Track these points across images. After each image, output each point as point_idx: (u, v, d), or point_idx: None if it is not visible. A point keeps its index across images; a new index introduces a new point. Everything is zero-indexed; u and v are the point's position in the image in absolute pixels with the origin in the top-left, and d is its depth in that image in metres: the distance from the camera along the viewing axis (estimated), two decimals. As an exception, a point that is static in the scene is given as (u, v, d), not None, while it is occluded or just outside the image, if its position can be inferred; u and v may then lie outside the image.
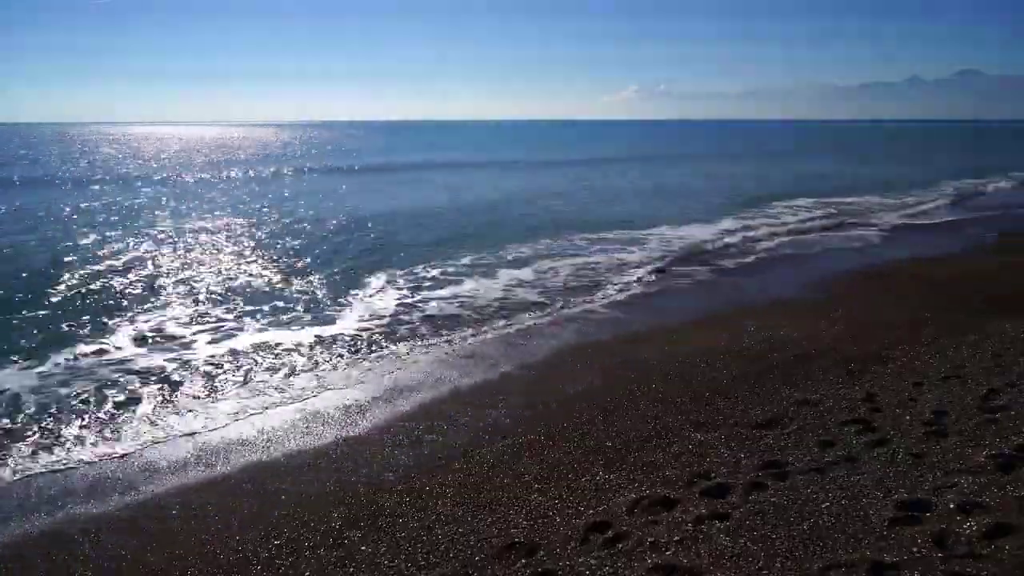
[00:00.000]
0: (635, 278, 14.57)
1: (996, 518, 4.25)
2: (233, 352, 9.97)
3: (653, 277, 14.76)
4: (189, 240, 20.10)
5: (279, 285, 14.39)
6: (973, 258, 15.63)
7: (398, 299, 12.99)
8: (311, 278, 14.96)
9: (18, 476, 6.51)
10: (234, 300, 13.07)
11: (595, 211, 25.93)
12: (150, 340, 10.59)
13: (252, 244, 19.42)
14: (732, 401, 7.35)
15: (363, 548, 5.07)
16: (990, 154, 68.14)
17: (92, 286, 14.12)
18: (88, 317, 11.80)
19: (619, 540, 4.66)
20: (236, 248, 18.82)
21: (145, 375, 9.05)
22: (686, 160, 61.21)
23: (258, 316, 11.94)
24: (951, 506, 4.50)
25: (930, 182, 35.66)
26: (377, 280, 14.55)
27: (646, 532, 4.69)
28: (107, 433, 7.38)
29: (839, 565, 4.00)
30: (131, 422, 7.66)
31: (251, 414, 7.85)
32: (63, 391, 8.47)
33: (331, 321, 11.58)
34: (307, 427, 7.45)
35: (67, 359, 9.65)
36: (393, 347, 10.18)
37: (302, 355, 9.82)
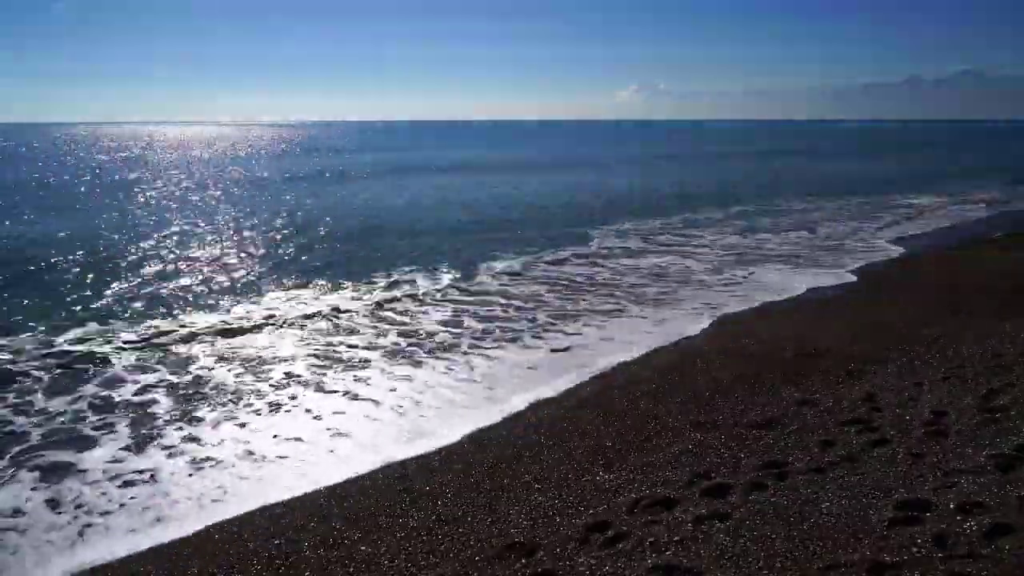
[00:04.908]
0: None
1: (996, 518, 4.24)
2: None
3: None
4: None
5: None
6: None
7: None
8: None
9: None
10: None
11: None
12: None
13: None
14: (732, 401, 7.35)
15: (363, 548, 5.07)
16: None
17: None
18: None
19: (619, 540, 4.65)
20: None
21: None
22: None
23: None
24: (951, 506, 4.49)
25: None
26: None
27: (646, 532, 4.68)
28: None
29: (839, 565, 3.99)
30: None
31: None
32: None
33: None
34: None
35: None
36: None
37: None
